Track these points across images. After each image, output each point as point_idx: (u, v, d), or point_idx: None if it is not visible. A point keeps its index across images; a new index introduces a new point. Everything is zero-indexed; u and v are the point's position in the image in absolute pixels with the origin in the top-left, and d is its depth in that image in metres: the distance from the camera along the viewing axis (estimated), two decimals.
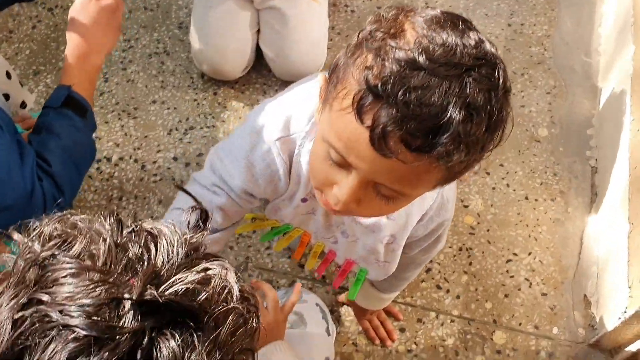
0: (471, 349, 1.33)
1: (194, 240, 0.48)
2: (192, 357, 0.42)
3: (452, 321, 1.37)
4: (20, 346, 0.42)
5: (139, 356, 0.41)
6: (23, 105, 1.50)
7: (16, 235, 0.49)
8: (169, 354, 0.42)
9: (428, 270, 1.42)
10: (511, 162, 1.58)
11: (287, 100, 0.88)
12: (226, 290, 0.45)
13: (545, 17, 1.84)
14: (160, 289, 0.43)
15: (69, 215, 0.49)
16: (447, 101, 0.58)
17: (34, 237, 0.47)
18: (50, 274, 0.44)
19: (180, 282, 0.44)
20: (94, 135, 1.63)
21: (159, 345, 0.42)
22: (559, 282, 1.41)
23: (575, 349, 1.34)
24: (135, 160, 1.59)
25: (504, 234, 1.47)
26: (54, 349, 0.41)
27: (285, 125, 0.82)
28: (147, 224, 0.48)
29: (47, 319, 0.42)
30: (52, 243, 0.46)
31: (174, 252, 0.46)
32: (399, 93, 0.58)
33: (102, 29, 1.15)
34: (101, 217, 0.49)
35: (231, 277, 0.45)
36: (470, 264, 1.44)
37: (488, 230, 1.48)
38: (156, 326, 0.42)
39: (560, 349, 1.34)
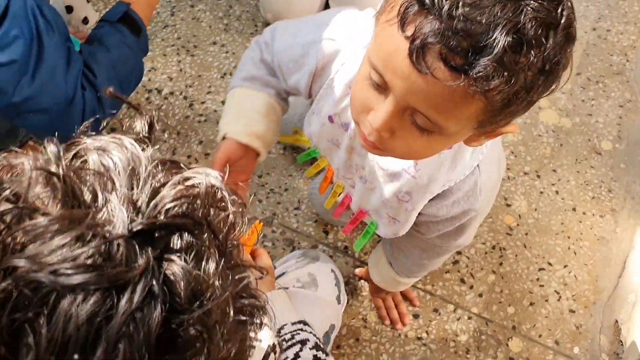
0: (483, 350, 1.28)
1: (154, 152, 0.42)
2: (209, 267, 0.38)
3: (469, 318, 1.31)
4: (14, 327, 0.35)
5: (156, 290, 0.36)
6: (85, 20, 1.52)
7: (51, 147, 0.41)
8: (184, 274, 0.37)
9: (455, 262, 1.37)
10: (565, 170, 1.49)
11: (362, 17, 0.86)
12: (218, 196, 0.41)
13: (635, 27, 1.72)
14: (146, 215, 0.38)
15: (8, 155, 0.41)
16: (496, 23, 0.55)
17: None
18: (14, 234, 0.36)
19: (164, 201, 0.38)
20: (150, 65, 1.64)
21: (172, 271, 0.37)
22: (590, 302, 1.33)
23: None
24: (185, 97, 1.59)
25: (542, 241, 1.40)
26: (66, 316, 0.34)
27: (344, 34, 0.83)
28: (90, 142, 0.40)
29: (33, 285, 0.34)
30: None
31: (140, 172, 0.40)
32: (447, 5, 0.55)
33: None
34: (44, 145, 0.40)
35: (216, 181, 0.41)
36: (501, 264, 1.37)
37: (526, 234, 1.40)
38: (161, 254, 0.37)
39: None
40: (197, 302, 0.37)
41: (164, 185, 0.39)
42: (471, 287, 1.34)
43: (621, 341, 1.28)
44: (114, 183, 0.38)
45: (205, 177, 0.40)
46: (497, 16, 0.55)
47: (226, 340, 0.39)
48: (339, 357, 1.26)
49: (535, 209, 1.43)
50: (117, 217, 0.37)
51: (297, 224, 1.41)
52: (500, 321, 1.31)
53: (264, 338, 0.49)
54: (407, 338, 1.29)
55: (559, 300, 1.33)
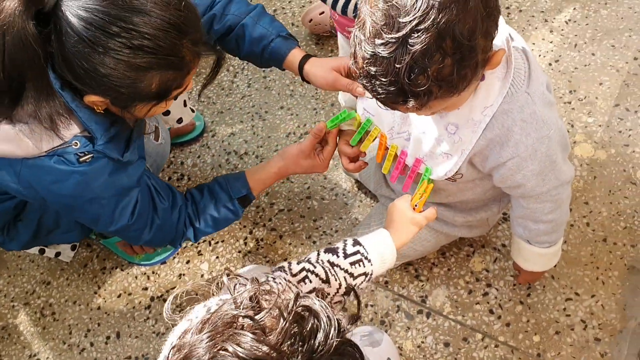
0: None
1: (345, 337, 0.65)
2: None
3: (496, 346, 1.43)
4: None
5: None
6: (180, 120, 1.84)
7: (225, 279, 0.72)
8: None
9: (485, 294, 1.49)
10: (597, 202, 1.55)
11: None
12: None
13: None
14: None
15: (265, 284, 0.69)
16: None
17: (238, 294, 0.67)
18: (240, 331, 0.61)
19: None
20: (230, 131, 1.95)
21: None
22: (616, 331, 1.39)
23: None
24: (257, 156, 1.88)
25: (571, 272, 1.47)
26: None
27: None
28: (314, 307, 0.64)
29: None
30: (247, 306, 0.65)
31: (329, 342, 0.62)
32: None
33: (307, 171, 1.42)
34: (287, 289, 0.67)
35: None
36: (529, 295, 1.47)
37: (555, 266, 1.49)
38: None
39: None
40: None
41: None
42: (499, 317, 1.46)
43: None
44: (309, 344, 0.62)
45: None
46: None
47: None
48: None
49: (565, 241, 1.51)
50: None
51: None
52: (525, 349, 1.41)
53: None
54: None
55: (584, 329, 1.41)
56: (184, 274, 1.70)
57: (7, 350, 1.68)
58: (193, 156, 1.92)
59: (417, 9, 0.80)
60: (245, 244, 1.71)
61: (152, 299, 1.68)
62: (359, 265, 1.06)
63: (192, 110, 1.85)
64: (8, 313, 1.75)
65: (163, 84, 1.04)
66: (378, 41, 0.83)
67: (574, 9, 1.92)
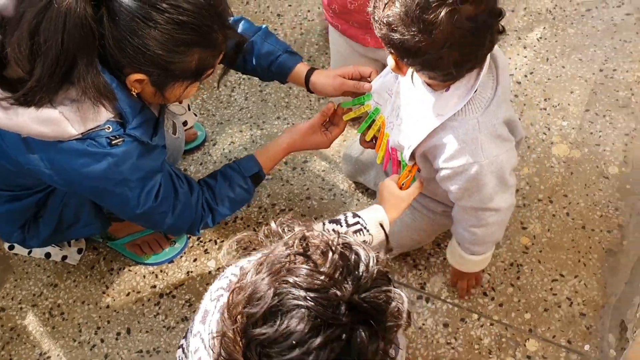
0: (504, 351, 1.51)
1: (382, 267, 0.75)
2: (372, 347, 0.69)
3: (491, 324, 1.55)
4: (275, 309, 0.67)
5: (343, 337, 0.67)
6: (185, 123, 1.95)
7: (273, 225, 0.82)
8: (360, 342, 0.68)
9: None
10: (575, 194, 1.71)
11: None
12: (400, 311, 0.72)
13: None
14: (362, 296, 0.70)
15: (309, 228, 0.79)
16: None
17: (289, 237, 0.76)
18: (296, 266, 0.70)
19: (373, 294, 0.70)
20: (230, 140, 2.06)
21: (356, 335, 0.68)
22: (599, 306, 1.53)
23: None
24: None
25: (555, 257, 1.62)
26: (297, 321, 0.66)
27: None
28: (353, 245, 0.75)
29: (293, 295, 0.67)
30: (299, 241, 0.75)
31: (370, 271, 0.72)
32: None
33: (313, 147, 1.54)
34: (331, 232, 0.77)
35: (405, 302, 0.73)
36: (518, 278, 1.61)
37: (540, 252, 1.63)
38: (356, 321, 0.69)
39: None
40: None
41: (377, 286, 0.72)
42: (493, 298, 1.59)
43: (627, 338, 1.46)
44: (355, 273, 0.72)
45: (399, 295, 0.73)
46: None
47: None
48: None
49: (548, 230, 1.66)
50: (347, 289, 0.70)
51: None
52: (518, 326, 1.54)
53: None
54: (439, 344, 1.55)
55: (570, 305, 1.54)
56: (191, 271, 1.78)
57: (17, 350, 1.72)
58: (196, 163, 2.02)
59: None
60: None
61: (160, 295, 1.75)
62: (360, 234, 1.20)
63: (195, 115, 1.97)
64: (16, 315, 1.78)
65: (201, 62, 1.17)
66: None
67: (544, 28, 2.12)
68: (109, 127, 1.21)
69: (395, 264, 1.68)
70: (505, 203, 1.26)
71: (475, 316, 1.57)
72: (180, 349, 1.13)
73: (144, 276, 1.80)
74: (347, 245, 0.74)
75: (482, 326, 1.55)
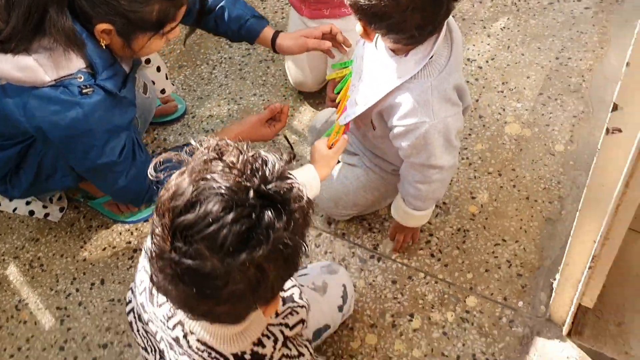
0: (445, 306, 1.63)
1: (285, 167, 0.88)
2: (279, 224, 0.81)
3: (435, 282, 1.67)
4: (195, 199, 0.79)
5: (253, 216, 0.80)
6: (163, 91, 2.09)
7: (193, 141, 0.91)
8: (268, 220, 0.81)
9: (427, 241, 1.74)
10: (523, 169, 1.84)
11: None
12: (300, 197, 0.85)
13: (592, 54, 2.06)
14: (268, 187, 0.82)
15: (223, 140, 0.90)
16: None
17: (205, 146, 0.88)
18: (212, 166, 0.81)
19: (278, 184, 0.83)
20: (208, 113, 2.19)
21: (263, 214, 0.81)
22: (535, 268, 1.65)
23: (533, 321, 1.57)
24: None
25: (499, 224, 1.74)
26: (213, 204, 0.78)
27: None
28: (262, 153, 0.87)
29: (209, 186, 0.79)
30: (214, 149, 0.86)
31: (275, 169, 0.85)
32: None
33: (259, 138, 1.69)
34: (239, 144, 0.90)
35: (304, 190, 0.87)
36: (464, 242, 1.73)
37: (486, 219, 1.76)
38: (263, 205, 0.81)
39: (521, 319, 1.58)
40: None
41: (281, 180, 0.85)
42: (439, 259, 1.71)
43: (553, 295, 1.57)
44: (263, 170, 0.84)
45: (299, 185, 0.86)
46: None
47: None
48: None
49: (495, 200, 1.79)
50: (256, 181, 0.82)
51: None
52: (460, 284, 1.66)
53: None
54: (386, 298, 1.67)
55: (509, 267, 1.66)
56: None
57: None
58: (175, 134, 2.15)
59: None
60: None
61: (134, 250, 1.88)
62: None
63: (172, 84, 2.10)
64: None
65: (162, 13, 1.30)
66: None
67: (508, 18, 2.26)
68: (80, 76, 1.34)
69: (352, 226, 1.80)
70: (448, 162, 1.39)
71: (422, 275, 1.69)
72: (130, 291, 1.24)
73: (120, 233, 1.92)
74: (257, 152, 0.87)
75: (427, 284, 1.67)
